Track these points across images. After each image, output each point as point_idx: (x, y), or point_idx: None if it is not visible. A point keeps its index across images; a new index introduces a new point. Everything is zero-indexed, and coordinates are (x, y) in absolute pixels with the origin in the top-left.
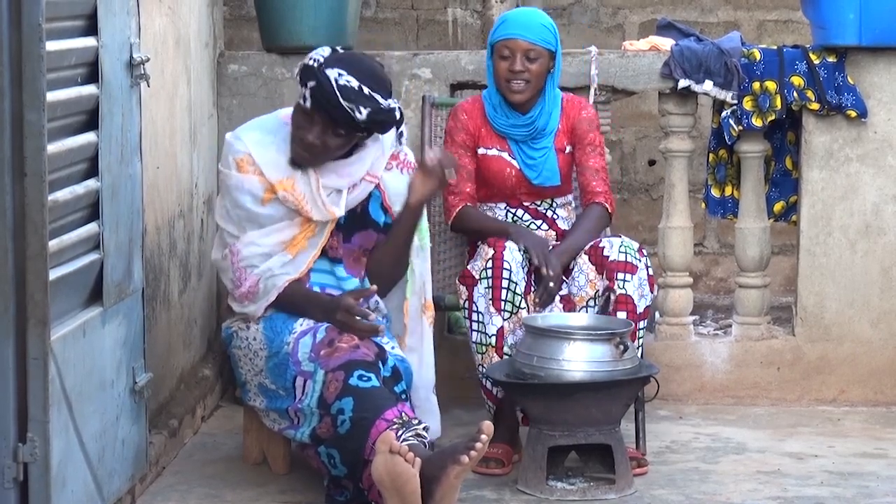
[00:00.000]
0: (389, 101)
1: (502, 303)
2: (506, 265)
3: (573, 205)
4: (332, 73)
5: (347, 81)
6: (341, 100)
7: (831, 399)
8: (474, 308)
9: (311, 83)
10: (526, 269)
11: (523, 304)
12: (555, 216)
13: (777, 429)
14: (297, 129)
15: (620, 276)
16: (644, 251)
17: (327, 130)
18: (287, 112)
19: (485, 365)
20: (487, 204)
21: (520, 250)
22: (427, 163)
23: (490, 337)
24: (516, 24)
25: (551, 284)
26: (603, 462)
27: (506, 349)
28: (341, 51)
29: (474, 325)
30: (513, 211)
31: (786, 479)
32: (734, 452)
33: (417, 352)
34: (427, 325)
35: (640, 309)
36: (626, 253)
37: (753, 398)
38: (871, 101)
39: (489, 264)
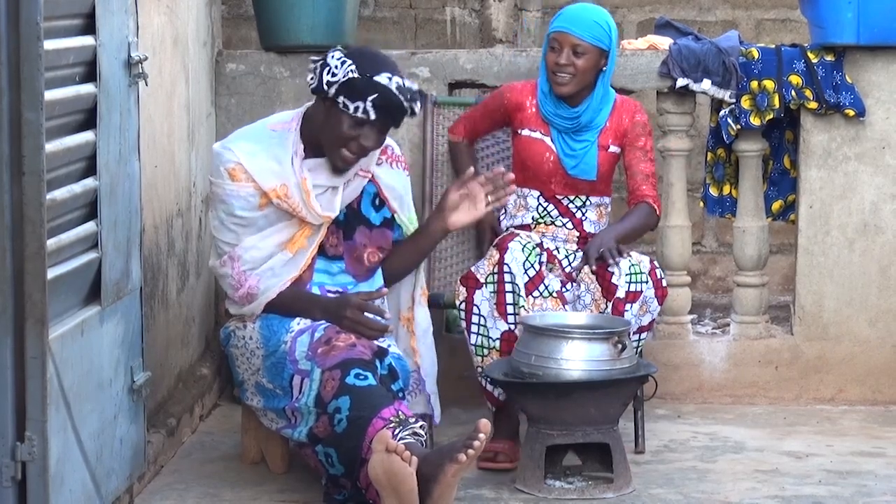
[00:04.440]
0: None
1: (507, 307)
2: (506, 268)
3: (608, 208)
4: (383, 80)
5: (399, 82)
6: (404, 102)
7: (829, 398)
8: (475, 311)
9: (372, 96)
10: (530, 266)
11: (523, 303)
12: (584, 217)
13: (775, 428)
14: (347, 139)
15: (625, 306)
16: (656, 264)
17: (382, 132)
18: (274, 120)
19: (484, 367)
20: (521, 189)
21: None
22: (474, 189)
23: (494, 341)
24: (568, 19)
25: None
26: (601, 461)
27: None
28: (351, 49)
29: (474, 328)
30: (544, 204)
31: (784, 478)
32: (732, 451)
33: (427, 336)
34: (427, 312)
35: (638, 325)
36: (630, 282)
37: (751, 397)
38: (869, 99)
39: (495, 269)
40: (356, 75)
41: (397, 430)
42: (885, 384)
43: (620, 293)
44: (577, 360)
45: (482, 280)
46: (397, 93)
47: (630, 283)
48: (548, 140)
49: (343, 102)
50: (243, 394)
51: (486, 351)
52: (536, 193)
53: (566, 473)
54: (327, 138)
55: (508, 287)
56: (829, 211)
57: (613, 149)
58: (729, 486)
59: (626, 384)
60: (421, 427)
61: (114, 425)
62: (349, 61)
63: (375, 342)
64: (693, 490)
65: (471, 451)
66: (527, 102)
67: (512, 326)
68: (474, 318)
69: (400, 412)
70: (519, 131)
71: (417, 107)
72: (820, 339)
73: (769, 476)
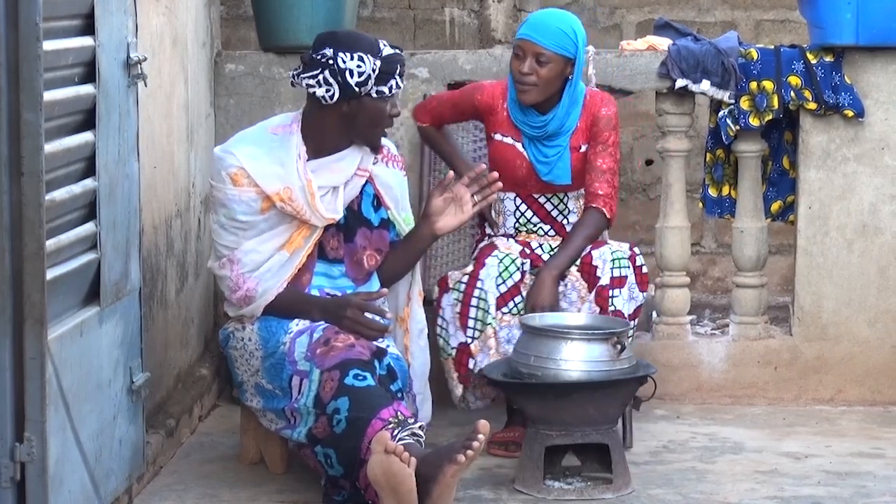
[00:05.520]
0: None
1: (469, 320)
2: (479, 283)
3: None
4: (388, 50)
5: (384, 41)
6: (402, 52)
7: (828, 398)
8: (441, 313)
9: (397, 70)
10: (502, 283)
11: (491, 321)
12: (565, 220)
13: (774, 428)
14: (386, 118)
15: (610, 292)
16: (636, 251)
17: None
18: (274, 123)
19: (445, 367)
20: (498, 193)
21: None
22: (460, 191)
23: (452, 349)
24: (532, 26)
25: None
26: (600, 461)
27: (472, 367)
28: (331, 40)
29: (439, 330)
30: (522, 210)
31: (783, 479)
32: (731, 452)
33: (422, 337)
34: (423, 313)
35: (628, 312)
36: (613, 267)
37: (751, 398)
38: (868, 100)
39: (465, 278)
40: (379, 61)
41: (396, 431)
42: (884, 385)
43: (605, 280)
44: (577, 360)
45: (451, 285)
46: (398, 50)
47: (613, 268)
48: (519, 146)
49: (376, 90)
50: (242, 394)
51: (445, 354)
52: (513, 195)
53: (565, 474)
54: (365, 128)
55: (475, 302)
56: (828, 212)
57: (586, 147)
58: (728, 487)
59: (626, 385)
60: (420, 427)
61: (113, 426)
62: (360, 54)
63: (374, 342)
64: (692, 491)
65: (470, 452)
66: (498, 105)
67: (469, 340)
68: (439, 320)
69: (399, 413)
70: (492, 135)
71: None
72: (819, 339)
73: (768, 477)
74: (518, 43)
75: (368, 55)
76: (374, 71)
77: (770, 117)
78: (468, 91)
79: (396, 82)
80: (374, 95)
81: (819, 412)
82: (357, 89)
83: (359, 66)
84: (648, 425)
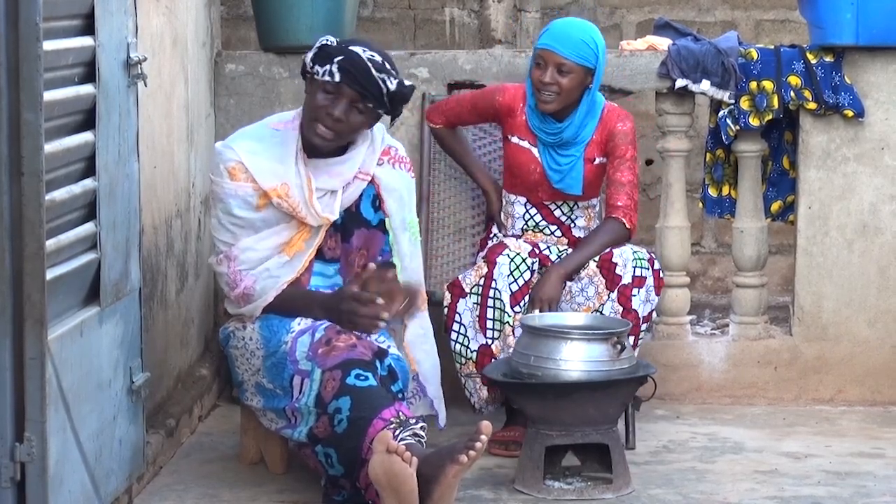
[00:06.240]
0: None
1: (488, 321)
2: (493, 283)
3: (596, 209)
4: (356, 48)
5: (372, 56)
6: (373, 70)
7: (828, 399)
8: (457, 319)
9: (339, 58)
10: (513, 281)
11: (508, 320)
12: (572, 224)
13: (774, 428)
14: (318, 109)
15: (633, 291)
16: (654, 257)
17: (354, 105)
18: (275, 119)
19: (463, 373)
20: (508, 196)
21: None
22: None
23: (472, 352)
24: (554, 36)
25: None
26: (600, 461)
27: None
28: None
29: (455, 336)
30: (532, 213)
31: (783, 479)
32: (731, 452)
33: (426, 342)
34: (427, 317)
35: (643, 314)
36: (636, 267)
37: (751, 398)
38: (868, 100)
39: (481, 281)
40: (330, 42)
41: (398, 431)
42: (884, 385)
43: (626, 279)
44: (577, 360)
45: (467, 290)
46: (366, 60)
47: (635, 268)
48: (535, 151)
49: (315, 70)
50: (243, 394)
51: (463, 360)
52: (523, 200)
53: (565, 474)
54: (305, 114)
55: (491, 303)
56: (828, 212)
57: (600, 160)
58: (728, 487)
59: (625, 385)
60: (421, 428)
61: (113, 426)
62: (332, 37)
63: (375, 343)
64: (692, 490)
65: (472, 453)
66: (518, 109)
67: (489, 341)
68: (455, 326)
69: (400, 413)
70: (509, 137)
71: (392, 83)
72: (819, 339)
73: (768, 477)
74: (539, 52)
75: (336, 39)
76: (319, 44)
77: (770, 117)
78: (489, 92)
79: (331, 70)
80: (315, 75)
81: (819, 412)
82: (305, 62)
83: (321, 42)
84: (648, 425)
